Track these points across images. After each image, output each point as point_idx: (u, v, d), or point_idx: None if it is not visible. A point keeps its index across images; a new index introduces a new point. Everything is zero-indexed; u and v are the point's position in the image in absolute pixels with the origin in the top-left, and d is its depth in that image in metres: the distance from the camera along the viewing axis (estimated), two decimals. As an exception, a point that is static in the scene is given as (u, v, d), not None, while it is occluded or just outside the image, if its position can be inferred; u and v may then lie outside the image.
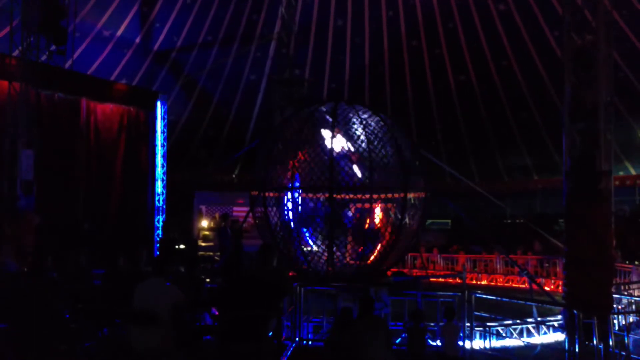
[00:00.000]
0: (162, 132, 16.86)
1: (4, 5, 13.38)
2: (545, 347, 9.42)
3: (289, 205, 11.47)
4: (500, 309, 10.14)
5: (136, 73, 21.30)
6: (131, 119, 15.99)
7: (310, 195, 11.24)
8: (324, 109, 11.78)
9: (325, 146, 11.06)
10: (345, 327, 6.71)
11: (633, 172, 20.57)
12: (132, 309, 5.46)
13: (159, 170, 16.73)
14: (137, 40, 20.97)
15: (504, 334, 9.66)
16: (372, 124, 11.22)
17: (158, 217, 16.67)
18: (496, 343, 9.41)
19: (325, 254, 10.79)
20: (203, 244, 19.72)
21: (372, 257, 11.47)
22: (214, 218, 20.55)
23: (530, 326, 9.99)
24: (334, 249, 10.75)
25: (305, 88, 20.23)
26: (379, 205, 11.36)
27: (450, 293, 9.65)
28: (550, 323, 10.05)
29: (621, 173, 20.09)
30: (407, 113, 22.52)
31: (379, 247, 11.33)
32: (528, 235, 17.79)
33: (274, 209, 11.35)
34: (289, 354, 8.40)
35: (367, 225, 11.52)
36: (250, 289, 5.48)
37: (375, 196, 11.09)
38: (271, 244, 10.57)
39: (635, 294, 11.60)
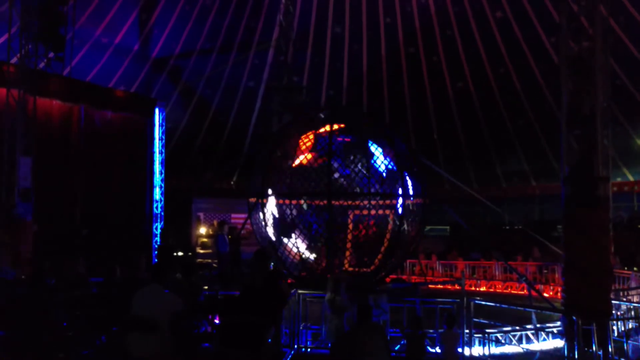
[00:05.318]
0: (160, 138, 16.89)
1: (3, 13, 13.39)
2: (545, 353, 9.39)
3: (287, 212, 11.45)
4: (499, 316, 10.10)
5: (134, 80, 21.30)
6: (129, 125, 15.99)
7: (309, 201, 11.22)
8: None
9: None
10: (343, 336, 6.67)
11: (631, 178, 20.61)
12: (130, 316, 5.44)
13: (157, 177, 16.73)
14: (136, 47, 20.99)
15: (503, 341, 9.62)
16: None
17: (156, 224, 16.65)
18: (495, 350, 9.37)
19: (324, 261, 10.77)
20: (201, 251, 19.67)
21: (371, 264, 11.45)
22: (212, 225, 20.51)
23: (529, 333, 9.95)
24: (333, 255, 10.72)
25: (303, 95, 20.24)
26: (378, 211, 11.34)
27: (449, 300, 9.61)
28: (550, 329, 10.02)
29: (619, 179, 20.11)
30: (405, 119, 22.57)
31: (377, 254, 11.31)
32: (526, 241, 17.75)
33: (271, 215, 11.33)
34: (287, 361, 8.37)
35: (365, 232, 11.51)
36: (249, 296, 5.47)
37: (373, 202, 11.09)
38: (266, 250, 10.56)
39: (634, 300, 11.56)
